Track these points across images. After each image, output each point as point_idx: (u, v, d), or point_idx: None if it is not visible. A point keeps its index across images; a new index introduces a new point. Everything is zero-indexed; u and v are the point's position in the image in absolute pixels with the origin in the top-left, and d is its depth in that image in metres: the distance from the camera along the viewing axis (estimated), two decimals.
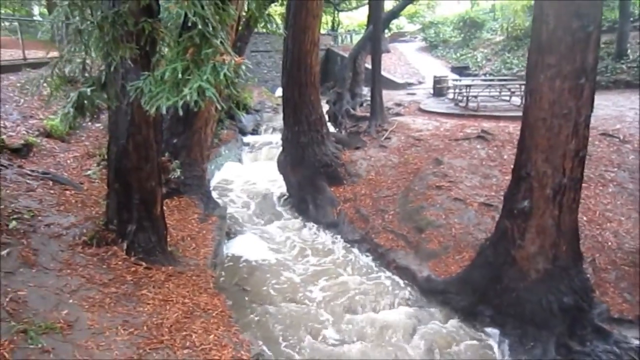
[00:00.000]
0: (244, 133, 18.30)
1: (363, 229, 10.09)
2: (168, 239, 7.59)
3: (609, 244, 8.68)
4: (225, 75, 4.21)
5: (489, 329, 7.26)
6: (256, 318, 7.55)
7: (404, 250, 9.14)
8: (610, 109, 15.29)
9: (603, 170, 11.01)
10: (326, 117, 16.26)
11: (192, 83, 4.15)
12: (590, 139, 12.26)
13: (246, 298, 8.14)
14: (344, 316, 7.69)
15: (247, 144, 17.47)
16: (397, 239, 9.46)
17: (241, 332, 6.08)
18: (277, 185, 13.44)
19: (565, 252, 6.81)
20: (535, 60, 6.32)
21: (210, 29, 4.45)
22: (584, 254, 7.93)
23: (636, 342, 6.89)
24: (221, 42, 4.51)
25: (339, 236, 10.37)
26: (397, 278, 8.72)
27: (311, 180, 11.56)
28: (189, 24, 4.51)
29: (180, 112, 4.41)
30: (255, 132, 18.88)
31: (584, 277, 7.10)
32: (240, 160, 16.41)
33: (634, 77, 18.97)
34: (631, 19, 20.71)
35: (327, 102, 17.94)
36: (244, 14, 11.41)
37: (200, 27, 4.37)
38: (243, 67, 4.51)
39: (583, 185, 10.22)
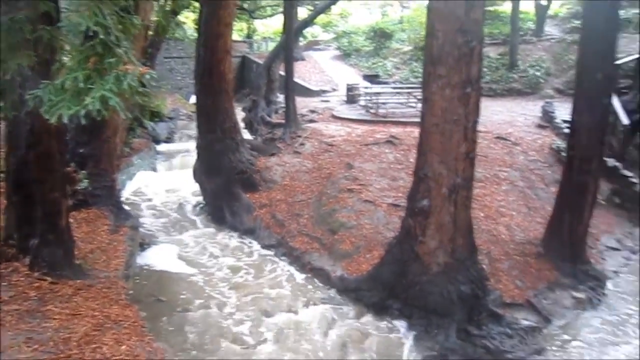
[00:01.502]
0: (157, 141, 17.81)
1: (279, 233, 10.31)
2: (76, 252, 7.35)
3: (503, 236, 9.59)
4: (129, 84, 4.24)
5: (398, 322, 7.74)
6: (172, 327, 7.48)
7: (318, 252, 9.48)
8: (504, 114, 16.74)
9: (497, 170, 12.08)
10: (242, 124, 16.38)
11: (94, 92, 4.15)
12: (486, 142, 13.53)
13: (161, 308, 8.02)
14: (261, 319, 7.83)
15: (161, 153, 17.05)
16: (312, 241, 9.79)
17: (155, 341, 6.06)
18: (193, 194, 13.28)
19: (462, 246, 7.46)
20: (428, 71, 6.91)
21: (113, 38, 4.47)
22: (481, 246, 8.71)
23: (525, 322, 7.71)
24: (125, 51, 4.53)
25: (255, 242, 10.50)
26: (312, 279, 9.02)
27: (227, 188, 11.59)
28: (91, 33, 4.50)
29: (83, 121, 4.37)
30: (169, 140, 18.44)
31: (479, 267, 7.81)
32: (154, 169, 15.96)
33: (524, 86, 20.94)
34: (521, 32, 22.81)
35: (243, 110, 17.98)
36: (155, 19, 11.25)
37: (102, 36, 4.37)
38: (147, 76, 4.56)
39: (480, 184, 11.25)
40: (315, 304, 8.27)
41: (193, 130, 16.67)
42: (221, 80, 11.63)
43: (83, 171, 9.48)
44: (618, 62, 14.51)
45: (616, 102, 13.19)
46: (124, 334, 5.87)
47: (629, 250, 10.46)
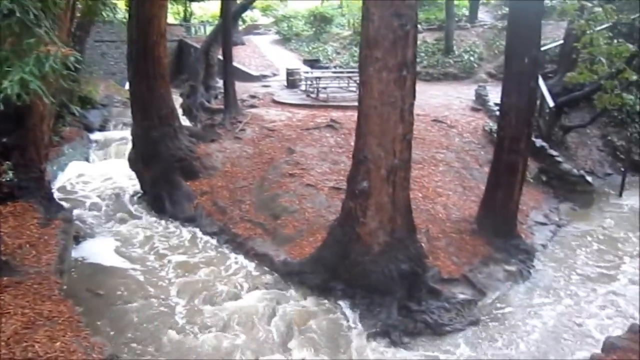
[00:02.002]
0: (90, 130, 16.96)
1: (221, 220, 10.18)
2: (2, 248, 6.93)
3: (440, 215, 9.95)
4: (51, 67, 4.00)
5: (341, 302, 7.88)
6: (112, 320, 7.27)
7: (261, 238, 9.46)
8: (440, 98, 17.25)
9: (435, 152, 12.48)
10: (181, 110, 15.92)
11: (13, 75, 3.88)
12: (424, 125, 13.91)
13: (100, 302, 7.75)
14: (205, 307, 7.74)
15: (95, 142, 16.27)
16: (255, 227, 9.75)
17: (93, 336, 5.84)
18: (131, 183, 12.83)
19: (401, 225, 7.68)
20: (365, 54, 6.99)
21: (32, 17, 4.18)
22: (420, 225, 9.01)
23: (462, 296, 8.08)
24: (46, 31, 4.25)
25: (197, 230, 10.30)
26: (256, 265, 9.00)
27: (166, 176, 11.27)
28: (5, 12, 4.18)
29: (0, 106, 4.08)
30: (103, 128, 17.61)
31: (418, 245, 8.08)
32: (87, 159, 15.25)
33: (459, 70, 21.63)
34: (456, 19, 23.48)
35: (181, 95, 17.45)
36: None
37: (19, 15, 4.08)
38: (72, 58, 4.31)
39: (419, 165, 11.58)
40: (259, 289, 8.26)
41: (129, 118, 16.03)
42: (156, 64, 11.22)
43: (8, 162, 8.88)
44: (544, 47, 15.33)
45: (543, 86, 13.93)
46: (58, 330, 5.62)
47: (555, 224, 11.17)
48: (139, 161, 11.72)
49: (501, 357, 6.89)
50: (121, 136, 16.27)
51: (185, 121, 14.97)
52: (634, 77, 13.13)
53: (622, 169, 14.02)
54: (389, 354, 6.93)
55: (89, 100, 17.47)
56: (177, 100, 16.07)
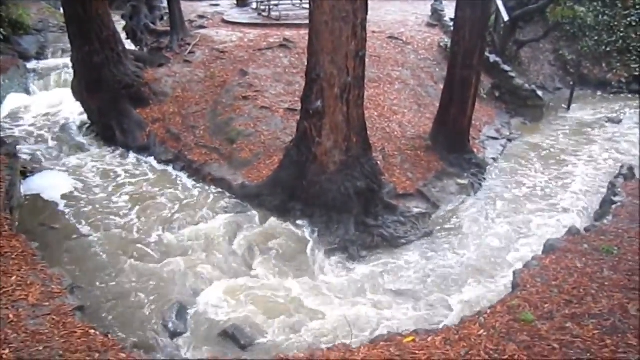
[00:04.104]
0: (26, 58, 15.75)
1: (175, 147, 9.95)
2: None
3: (395, 133, 10.07)
4: None
5: (300, 221, 8.05)
6: (69, 253, 7.21)
7: (218, 163, 9.37)
8: (396, 14, 16.85)
9: (390, 70, 12.37)
10: (124, 34, 14.94)
11: None
12: (379, 42, 13.65)
13: (55, 235, 7.61)
14: (165, 234, 7.75)
15: (33, 71, 15.21)
16: (211, 152, 9.61)
17: (50, 268, 5.78)
18: (77, 114, 12.21)
19: (356, 144, 7.72)
20: None
21: None
22: (376, 144, 9.11)
23: (416, 210, 8.40)
24: None
25: (151, 158, 10.05)
26: (214, 190, 8.98)
27: (113, 104, 10.74)
28: None
29: None
30: (41, 55, 16.38)
31: (373, 163, 8.20)
32: (27, 91, 14.33)
33: None
34: None
35: (123, 17, 16.25)
36: None
37: None
38: None
39: (374, 84, 11.50)
40: (219, 214, 8.29)
41: (68, 44, 15.01)
42: None
43: None
44: None
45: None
46: (12, 265, 5.52)
47: (506, 139, 11.54)
48: (83, 90, 11.07)
49: (450, 262, 7.32)
50: (62, 63, 15.27)
51: (130, 45, 14.11)
52: None
53: (571, 83, 14.39)
54: (347, 267, 7.24)
55: (20, 25, 16.09)
56: (120, 23, 15.05)
